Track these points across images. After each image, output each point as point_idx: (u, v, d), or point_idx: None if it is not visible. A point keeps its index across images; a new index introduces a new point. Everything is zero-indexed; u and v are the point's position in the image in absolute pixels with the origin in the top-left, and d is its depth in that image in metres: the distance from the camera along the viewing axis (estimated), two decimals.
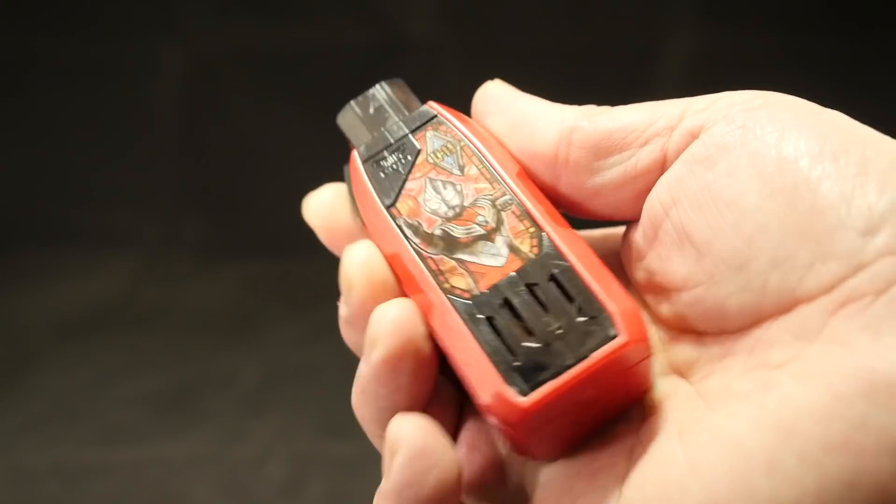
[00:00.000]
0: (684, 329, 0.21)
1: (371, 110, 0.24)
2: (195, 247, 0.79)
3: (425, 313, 0.21)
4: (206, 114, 0.80)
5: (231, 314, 0.72)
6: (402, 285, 0.22)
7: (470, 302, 0.20)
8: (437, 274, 0.21)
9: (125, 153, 0.80)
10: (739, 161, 0.19)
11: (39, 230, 0.80)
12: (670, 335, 0.22)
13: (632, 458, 0.20)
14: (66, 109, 0.80)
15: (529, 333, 0.20)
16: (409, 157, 0.23)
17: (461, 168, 0.22)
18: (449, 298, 0.20)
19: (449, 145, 0.23)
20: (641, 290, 0.22)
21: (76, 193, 0.80)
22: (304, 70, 0.77)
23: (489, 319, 0.20)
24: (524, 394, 0.19)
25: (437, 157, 0.23)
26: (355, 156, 0.23)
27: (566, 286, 0.20)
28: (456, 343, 0.20)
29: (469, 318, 0.20)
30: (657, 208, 0.21)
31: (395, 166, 0.23)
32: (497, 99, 0.23)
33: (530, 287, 0.20)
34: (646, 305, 0.22)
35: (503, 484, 0.23)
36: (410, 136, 0.23)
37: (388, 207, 0.22)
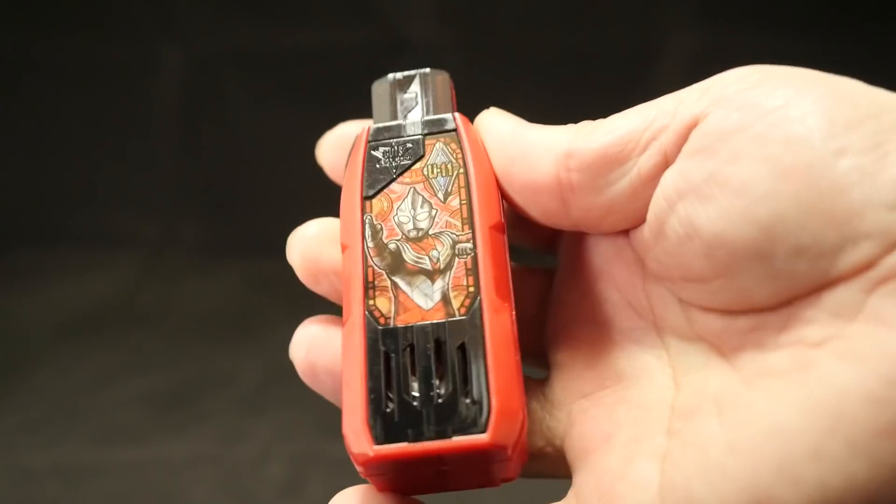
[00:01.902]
0: (707, 309, 0.20)
1: (406, 93, 0.24)
2: (195, 247, 0.79)
3: (345, 314, 0.21)
4: (206, 114, 0.80)
5: (231, 314, 0.72)
6: (341, 275, 0.22)
7: (380, 329, 0.20)
8: (370, 287, 0.21)
9: (125, 153, 0.80)
10: (743, 146, 0.18)
11: (39, 230, 0.80)
12: (692, 307, 0.21)
13: (670, 432, 0.19)
14: (66, 110, 0.80)
15: (412, 387, 0.19)
16: (408, 159, 0.22)
17: (446, 194, 0.22)
18: (366, 316, 0.20)
19: (449, 166, 0.22)
20: (658, 277, 0.22)
21: (76, 193, 0.80)
22: (304, 70, 0.77)
23: (387, 356, 0.20)
24: (377, 442, 0.19)
25: (432, 173, 0.22)
26: (367, 130, 0.23)
27: (469, 362, 0.20)
28: (349, 359, 0.20)
29: (371, 344, 0.20)
30: (662, 204, 0.20)
31: (392, 161, 0.22)
32: (494, 132, 0.23)
33: (438, 344, 0.20)
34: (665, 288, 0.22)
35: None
36: (422, 138, 0.23)
37: (364, 198, 0.22)
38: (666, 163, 0.20)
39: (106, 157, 0.80)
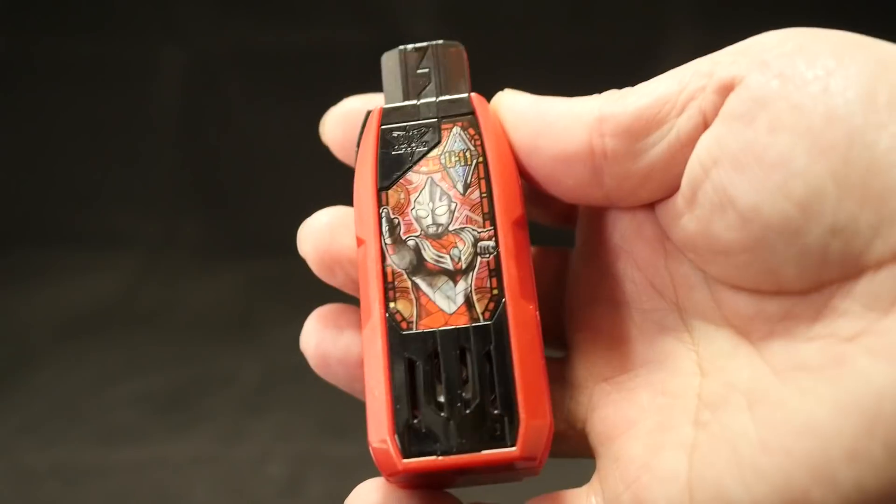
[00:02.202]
0: (735, 286, 0.20)
1: (418, 69, 0.22)
2: (195, 247, 0.79)
3: (363, 314, 0.20)
4: (206, 114, 0.80)
5: (231, 314, 0.72)
6: (357, 272, 0.21)
7: (403, 334, 0.20)
8: (390, 287, 0.20)
9: (125, 153, 0.80)
10: (781, 116, 0.17)
11: (39, 230, 0.80)
12: (720, 286, 0.20)
13: (698, 423, 0.19)
14: (65, 110, 0.80)
15: (438, 398, 0.19)
16: (424, 146, 0.21)
17: (466, 186, 0.21)
18: (387, 319, 0.20)
19: (467, 154, 0.21)
20: (682, 249, 0.21)
21: (76, 193, 0.80)
22: (304, 70, 0.77)
23: (411, 363, 0.19)
24: (404, 456, 0.19)
25: (450, 161, 0.21)
26: (378, 112, 0.22)
27: (495, 371, 0.19)
28: (371, 365, 0.20)
29: (394, 350, 0.19)
30: (696, 169, 0.19)
31: (408, 148, 0.21)
32: (516, 108, 0.21)
33: (463, 351, 0.19)
34: (690, 262, 0.21)
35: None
36: (438, 122, 0.21)
37: (380, 189, 0.21)
38: (705, 124, 0.19)
39: (106, 156, 0.80)
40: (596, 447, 0.21)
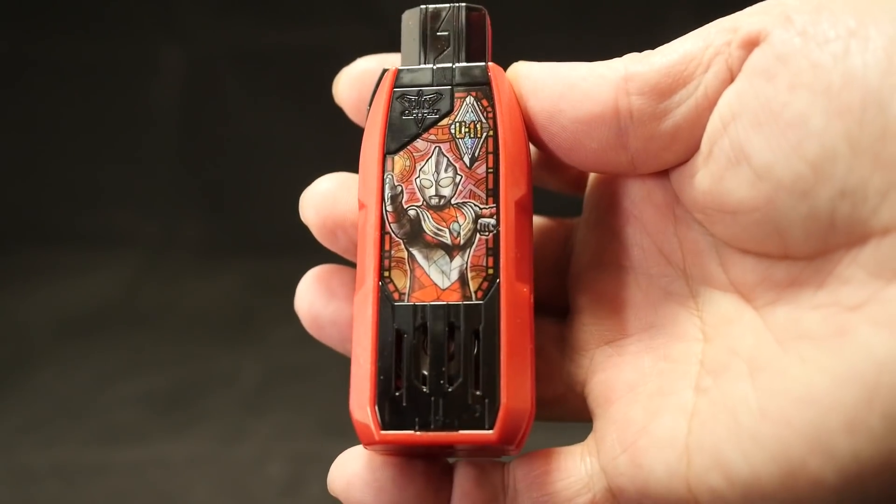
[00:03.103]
0: (742, 249, 0.19)
1: (438, 31, 0.22)
2: (195, 247, 0.79)
3: (358, 278, 0.20)
4: (206, 114, 0.80)
5: (231, 314, 0.72)
6: (357, 234, 0.21)
7: (394, 304, 0.19)
8: (386, 256, 0.20)
9: (125, 153, 0.80)
10: (801, 74, 0.17)
11: (40, 230, 0.80)
12: (728, 250, 0.20)
13: (699, 389, 0.19)
14: (66, 109, 0.80)
15: (422, 372, 0.19)
16: (436, 113, 0.21)
17: (473, 159, 0.20)
18: (380, 288, 0.20)
19: (478, 126, 0.20)
20: (692, 208, 0.20)
21: (76, 193, 0.80)
22: (304, 70, 0.77)
23: (398, 334, 0.19)
24: (382, 427, 0.19)
25: (459, 132, 0.20)
26: (393, 74, 0.21)
27: (481, 351, 0.19)
28: (360, 331, 0.20)
29: (383, 320, 0.19)
30: (716, 124, 0.19)
31: (418, 114, 0.21)
32: (534, 75, 0.21)
33: (451, 328, 0.19)
34: (698, 223, 0.21)
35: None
36: (452, 90, 0.21)
37: (386, 153, 0.21)
38: (731, 79, 0.19)
39: (106, 156, 0.80)
40: (594, 409, 0.21)
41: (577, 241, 0.24)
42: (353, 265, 0.22)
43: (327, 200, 0.22)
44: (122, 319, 0.72)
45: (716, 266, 0.20)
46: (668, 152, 0.20)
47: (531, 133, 0.21)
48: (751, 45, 0.18)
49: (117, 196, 0.80)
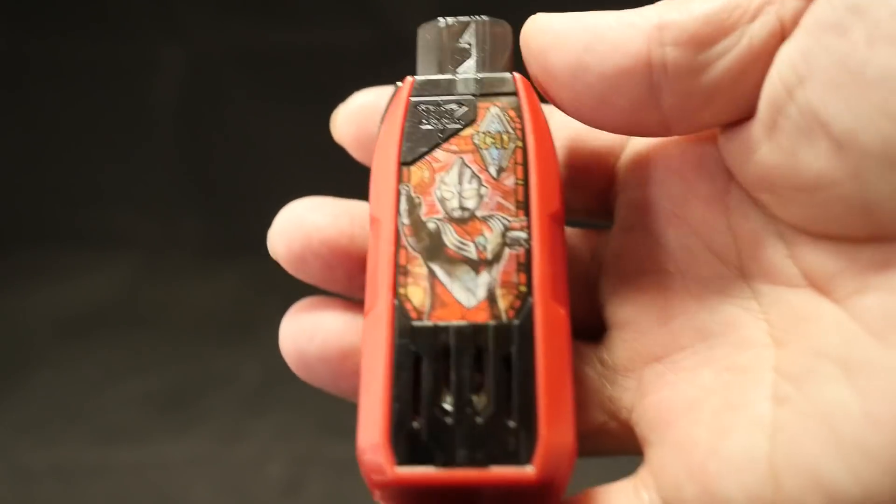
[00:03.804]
0: (818, 234, 0.17)
1: (458, 43, 0.20)
2: (195, 247, 0.79)
3: (368, 301, 0.18)
4: (206, 114, 0.80)
5: (231, 314, 0.72)
6: (368, 253, 0.19)
7: (412, 324, 0.17)
8: (401, 272, 0.18)
9: (125, 153, 0.80)
10: (882, 25, 0.15)
11: (39, 230, 0.80)
12: (798, 237, 0.17)
13: (777, 399, 0.16)
14: (65, 109, 0.80)
15: (445, 401, 0.17)
16: (457, 123, 0.19)
17: (499, 170, 0.18)
18: (395, 307, 0.17)
19: (504, 137, 0.19)
20: (754, 188, 0.18)
21: (76, 193, 0.80)
22: (304, 70, 0.77)
23: (417, 358, 0.17)
24: (398, 463, 0.16)
25: (484, 142, 0.19)
26: (410, 83, 0.20)
27: (514, 378, 0.16)
28: (371, 358, 0.17)
29: (399, 343, 0.17)
30: (778, 89, 0.16)
31: (438, 124, 0.19)
32: (556, 27, 0.18)
33: (479, 351, 0.17)
34: (761, 206, 0.18)
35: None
36: (475, 99, 0.19)
37: (402, 163, 0.19)
38: (783, 33, 0.16)
39: (106, 156, 0.80)
40: (647, 436, 0.19)
41: (609, 251, 0.21)
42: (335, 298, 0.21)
43: (293, 223, 0.20)
44: (122, 319, 0.72)
45: (783, 258, 0.18)
46: (705, 111, 0.18)
47: (552, 93, 0.19)
48: None
49: (117, 196, 0.80)
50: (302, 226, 0.20)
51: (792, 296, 0.18)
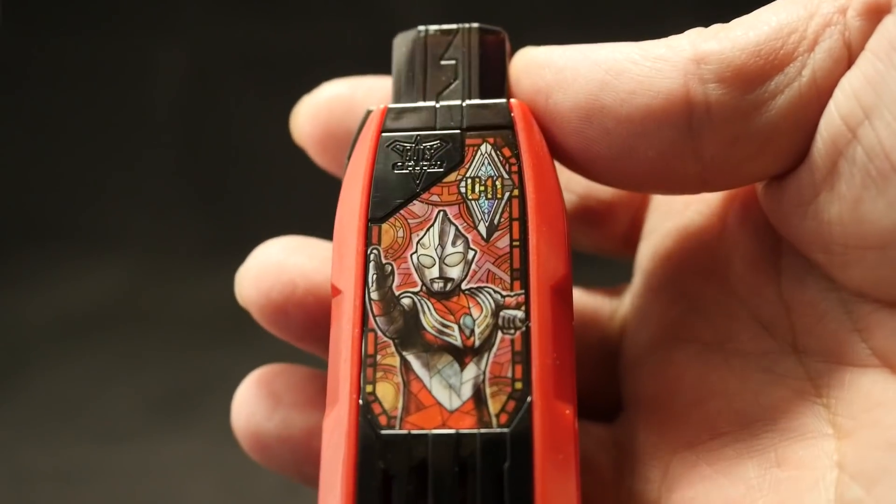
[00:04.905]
0: (891, 302, 0.14)
1: (441, 60, 0.17)
2: (195, 247, 0.79)
3: (329, 394, 0.15)
4: (206, 114, 0.80)
5: (231, 314, 0.72)
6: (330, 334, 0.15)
7: (378, 434, 0.14)
8: (370, 364, 0.14)
9: (125, 153, 0.80)
10: None
11: (39, 230, 0.80)
12: (866, 306, 0.14)
13: (843, 503, 0.13)
14: (65, 109, 0.80)
15: None
16: (439, 165, 0.15)
17: (492, 229, 0.15)
18: (359, 408, 0.14)
19: (497, 183, 0.15)
20: (808, 248, 0.15)
21: (76, 193, 0.80)
22: (304, 70, 0.77)
23: (386, 477, 0.13)
24: None
25: (472, 191, 0.15)
26: (381, 114, 0.16)
27: (508, 501, 0.13)
28: (328, 476, 0.14)
29: (364, 457, 0.13)
30: (837, 126, 0.13)
31: (415, 167, 0.15)
32: (559, 62, 0.15)
33: (463, 467, 0.13)
34: (819, 269, 0.15)
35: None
36: (461, 135, 0.15)
37: (370, 221, 0.15)
38: (849, 59, 0.14)
39: (106, 156, 0.80)
40: None
41: (630, 314, 0.18)
42: (317, 362, 0.17)
43: (272, 266, 0.17)
44: (121, 319, 0.72)
45: (847, 332, 0.15)
46: (754, 163, 0.14)
47: (556, 143, 0.15)
48: (877, 12, 0.13)
49: (117, 196, 0.80)
50: (283, 270, 0.17)
51: (860, 376, 0.14)
